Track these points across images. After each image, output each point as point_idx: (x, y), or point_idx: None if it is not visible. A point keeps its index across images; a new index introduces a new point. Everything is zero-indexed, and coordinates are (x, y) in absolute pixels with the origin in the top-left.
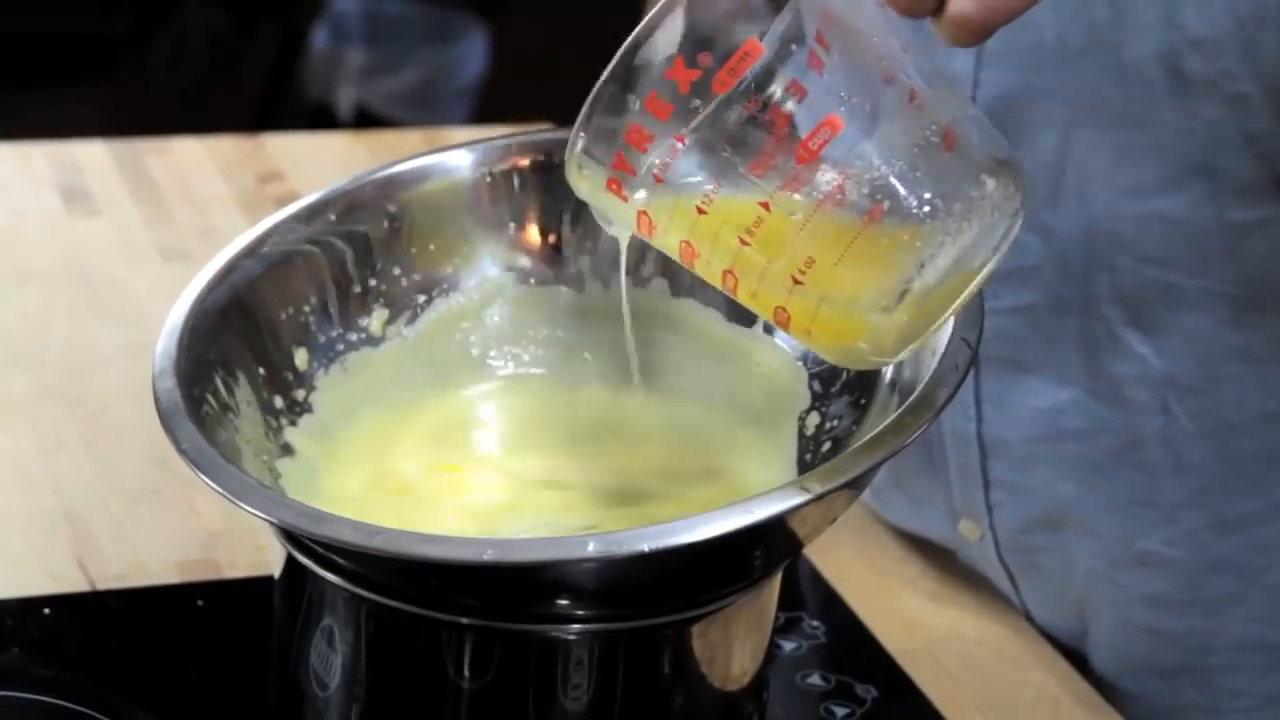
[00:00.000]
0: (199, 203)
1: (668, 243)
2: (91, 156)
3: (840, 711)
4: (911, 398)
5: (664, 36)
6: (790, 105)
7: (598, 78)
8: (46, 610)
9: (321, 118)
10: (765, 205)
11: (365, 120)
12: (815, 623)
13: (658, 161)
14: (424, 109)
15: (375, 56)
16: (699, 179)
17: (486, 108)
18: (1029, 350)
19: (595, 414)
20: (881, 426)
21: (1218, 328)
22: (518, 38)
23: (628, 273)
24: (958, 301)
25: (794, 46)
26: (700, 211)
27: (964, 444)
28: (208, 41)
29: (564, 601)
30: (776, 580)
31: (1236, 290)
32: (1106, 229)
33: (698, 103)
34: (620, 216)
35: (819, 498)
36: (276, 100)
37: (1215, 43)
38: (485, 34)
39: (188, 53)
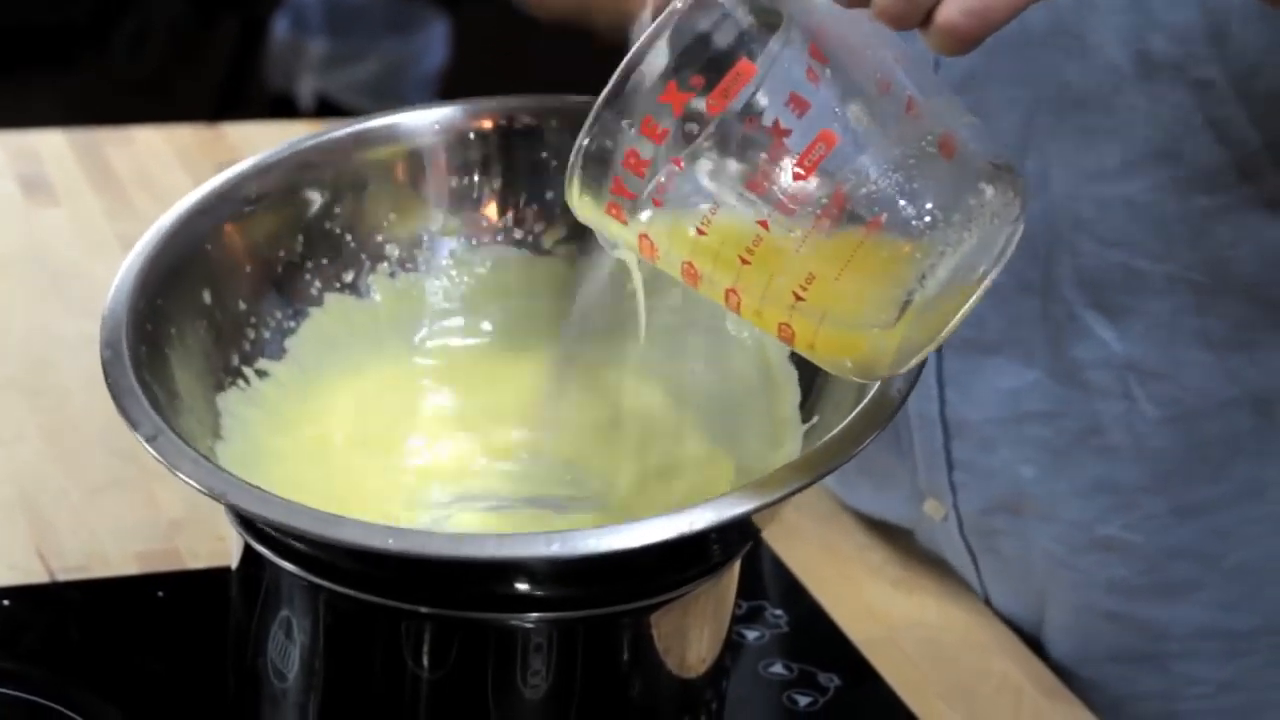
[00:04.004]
0: (159, 192)
1: (670, 264)
2: (51, 146)
3: (803, 700)
4: (870, 393)
5: (656, 60)
6: (785, 123)
7: (558, 68)
8: (5, 601)
9: (282, 107)
10: (764, 224)
11: (326, 110)
12: (778, 611)
13: (655, 185)
14: (385, 99)
15: (336, 46)
16: (697, 200)
17: (447, 98)
18: (991, 331)
19: (606, 397)
20: (839, 428)
21: (1180, 313)
22: (479, 27)
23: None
24: (959, 314)
25: (787, 65)
26: (700, 232)
27: (928, 424)
28: (168, 31)
29: (522, 590)
30: (735, 568)
31: (1199, 276)
32: (1069, 212)
33: (693, 125)
34: (623, 240)
35: (770, 504)
36: (237, 90)
37: (1181, 28)
38: (446, 24)
39: (148, 42)
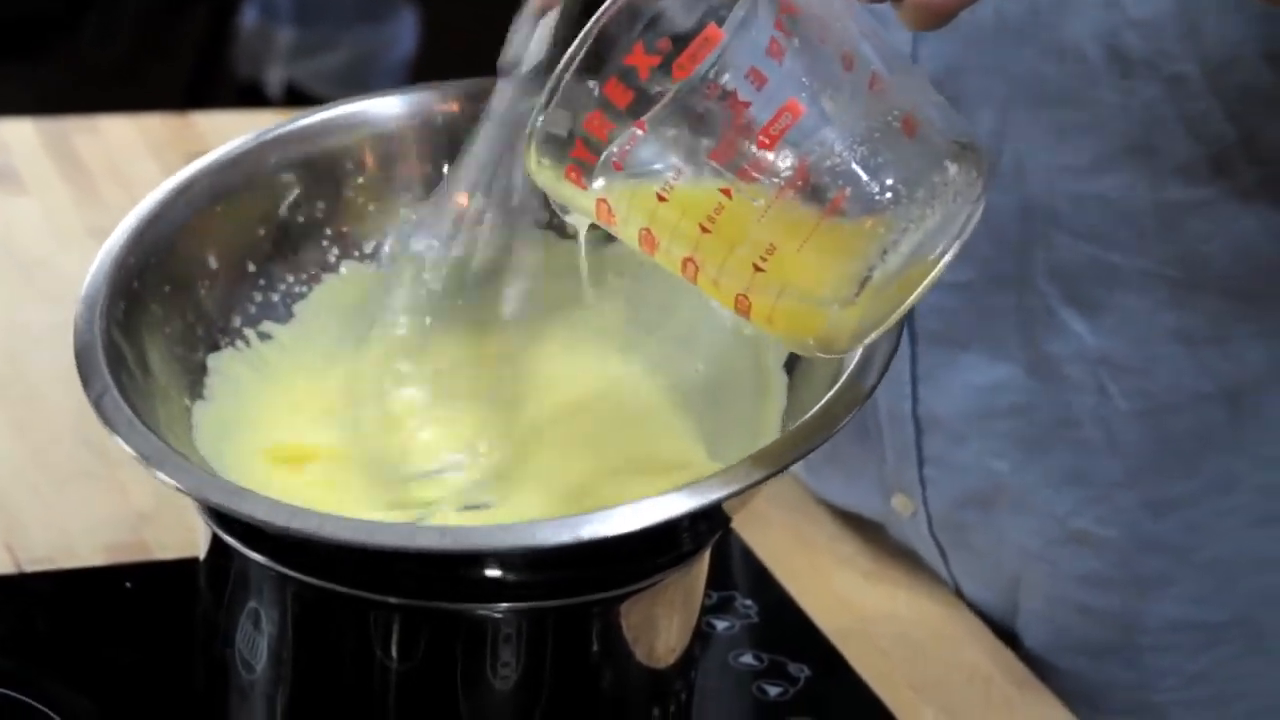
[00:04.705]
0: (128, 182)
1: (628, 232)
2: (19, 135)
3: (773, 690)
4: (843, 378)
5: (622, 23)
6: (751, 91)
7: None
8: None
9: (251, 96)
10: (726, 192)
11: (295, 99)
12: (748, 602)
13: (617, 149)
14: (354, 88)
15: (305, 35)
16: (659, 166)
17: None
18: (965, 326)
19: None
20: (815, 409)
21: (1154, 308)
22: (448, 16)
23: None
24: (918, 291)
25: (754, 32)
26: (660, 199)
27: (899, 420)
28: (136, 20)
29: (491, 579)
30: (705, 558)
31: (1173, 271)
32: (1043, 206)
33: (658, 89)
34: (580, 205)
35: (746, 489)
36: (206, 79)
37: (1155, 23)
38: (416, 13)
39: (117, 31)
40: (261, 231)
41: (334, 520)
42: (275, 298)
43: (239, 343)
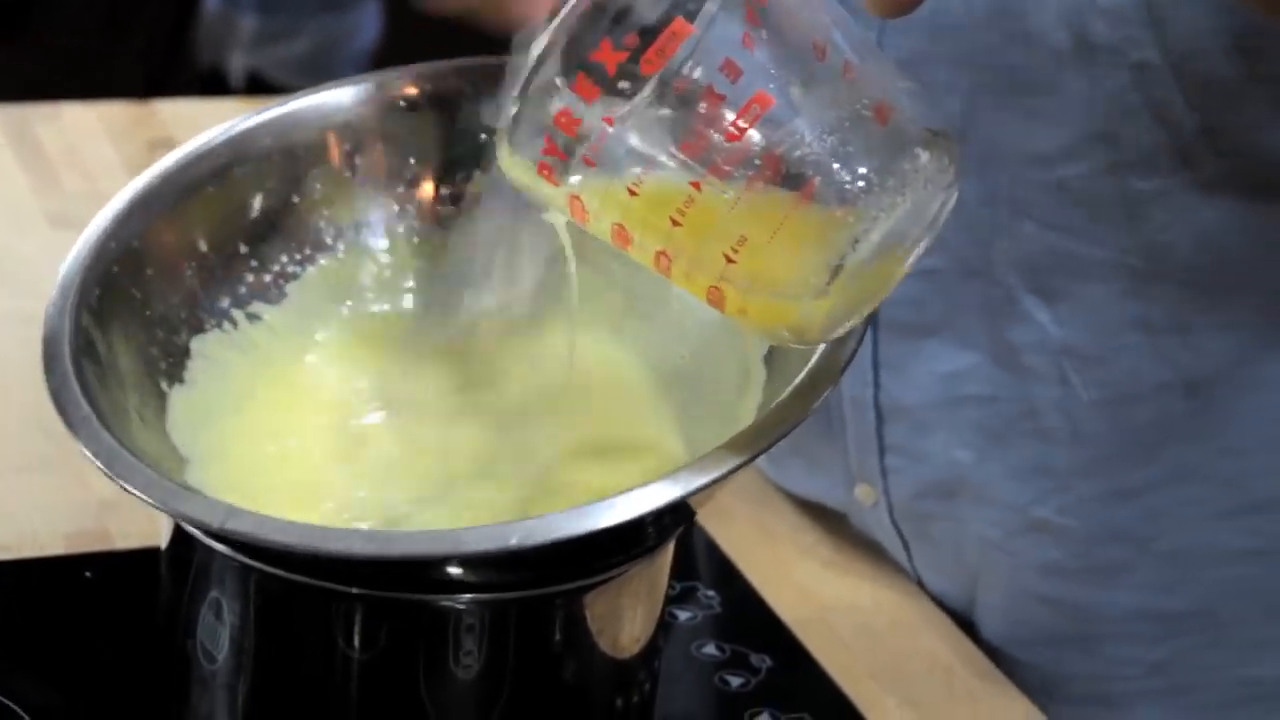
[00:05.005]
0: (88, 169)
1: (601, 227)
2: None
3: (735, 681)
4: (807, 368)
5: (589, 19)
6: (720, 84)
7: (491, 46)
8: None
9: (213, 84)
10: (696, 185)
11: (258, 87)
12: (710, 592)
13: (588, 145)
14: (317, 76)
15: (268, 23)
16: (629, 161)
17: None
18: (930, 315)
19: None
20: (779, 399)
21: (1116, 297)
22: (411, 6)
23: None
24: (891, 281)
25: (723, 26)
26: (631, 193)
27: (861, 409)
28: (99, 7)
29: (454, 573)
30: (670, 548)
31: (1135, 260)
32: (1009, 195)
33: (626, 84)
34: (554, 202)
35: (717, 480)
36: (168, 66)
37: (1121, 10)
38: (378, 1)
39: (79, 18)
40: (254, 213)
41: (270, 522)
42: (267, 278)
43: (226, 325)
